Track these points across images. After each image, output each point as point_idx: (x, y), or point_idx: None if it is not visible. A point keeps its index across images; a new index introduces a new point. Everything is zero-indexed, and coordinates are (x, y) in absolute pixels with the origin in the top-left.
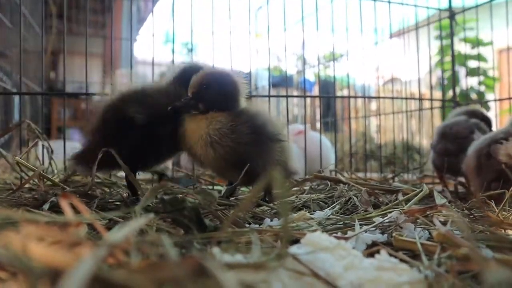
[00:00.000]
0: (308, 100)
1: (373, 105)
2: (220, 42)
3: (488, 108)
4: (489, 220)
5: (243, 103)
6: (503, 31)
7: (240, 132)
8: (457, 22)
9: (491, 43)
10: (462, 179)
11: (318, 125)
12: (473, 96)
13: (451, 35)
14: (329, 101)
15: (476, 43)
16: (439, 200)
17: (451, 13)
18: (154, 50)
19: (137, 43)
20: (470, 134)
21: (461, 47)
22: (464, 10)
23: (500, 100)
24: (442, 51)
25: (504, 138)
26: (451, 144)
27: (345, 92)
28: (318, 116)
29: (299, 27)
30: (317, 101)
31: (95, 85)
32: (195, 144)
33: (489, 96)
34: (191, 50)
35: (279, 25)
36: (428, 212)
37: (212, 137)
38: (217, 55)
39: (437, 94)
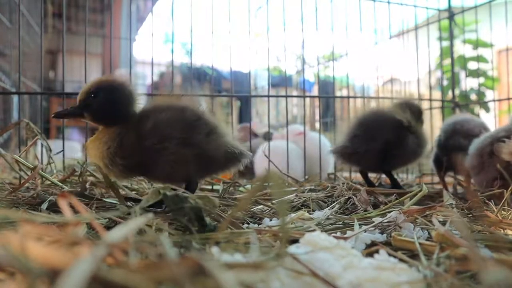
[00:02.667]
0: (308, 100)
1: (373, 105)
2: (220, 42)
3: (488, 109)
4: (488, 220)
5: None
6: (502, 31)
7: (126, 145)
8: (457, 23)
9: (490, 45)
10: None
11: (317, 125)
12: (473, 97)
13: (451, 35)
14: (328, 101)
15: (476, 44)
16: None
17: (451, 14)
18: (154, 50)
19: (136, 43)
20: (479, 133)
21: (462, 49)
22: (463, 10)
23: (499, 100)
24: (441, 52)
25: (507, 136)
26: (463, 140)
27: (344, 92)
28: (317, 116)
29: (298, 27)
30: (316, 101)
31: None
32: (99, 163)
33: (489, 96)
34: (190, 50)
35: (278, 25)
36: (427, 212)
37: (104, 160)
38: (216, 55)
39: (437, 94)
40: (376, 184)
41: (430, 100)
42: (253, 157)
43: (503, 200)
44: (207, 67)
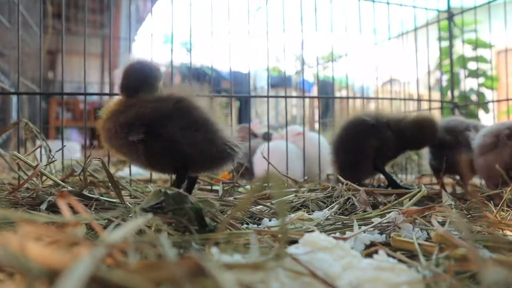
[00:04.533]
0: (307, 100)
1: (372, 106)
2: (219, 42)
3: (487, 110)
4: (487, 220)
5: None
6: (501, 32)
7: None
8: (456, 24)
9: (489, 46)
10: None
11: (317, 125)
12: (473, 97)
13: (450, 36)
14: (328, 102)
15: (475, 45)
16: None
17: (450, 14)
18: (153, 50)
19: (136, 43)
20: (465, 130)
21: (461, 49)
22: (462, 11)
23: (498, 101)
24: (441, 53)
25: None
26: (448, 135)
27: (343, 93)
28: (317, 117)
29: (298, 28)
30: (315, 101)
31: (94, 85)
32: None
33: (489, 97)
34: (190, 50)
35: (278, 25)
36: (426, 213)
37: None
38: (215, 56)
39: (436, 95)
40: (376, 185)
41: (429, 101)
42: (252, 158)
43: (502, 201)
44: (206, 67)
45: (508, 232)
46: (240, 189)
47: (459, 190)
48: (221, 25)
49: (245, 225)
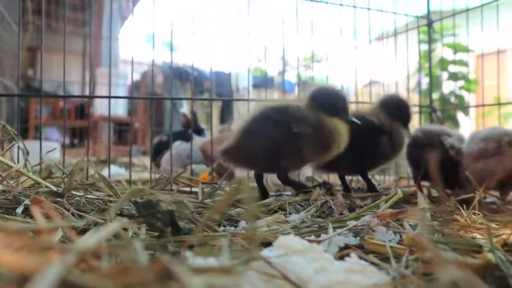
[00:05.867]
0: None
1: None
2: (202, 42)
3: (466, 112)
4: (457, 223)
5: None
6: (480, 37)
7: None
8: (435, 30)
9: (467, 49)
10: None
11: None
12: (452, 100)
13: (429, 42)
14: None
15: (454, 48)
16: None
17: (429, 21)
18: (135, 49)
19: (118, 42)
20: (441, 136)
21: (442, 52)
22: (442, 18)
23: (476, 106)
24: (420, 56)
25: None
26: (420, 134)
27: None
28: None
29: (280, 29)
30: None
31: (75, 85)
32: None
33: (470, 99)
34: (172, 50)
35: (260, 26)
36: (399, 216)
37: None
38: (198, 56)
39: (416, 97)
40: (355, 188)
41: None
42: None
43: (471, 205)
44: (189, 67)
45: (477, 235)
46: (220, 191)
47: (435, 193)
48: (204, 25)
49: (222, 228)
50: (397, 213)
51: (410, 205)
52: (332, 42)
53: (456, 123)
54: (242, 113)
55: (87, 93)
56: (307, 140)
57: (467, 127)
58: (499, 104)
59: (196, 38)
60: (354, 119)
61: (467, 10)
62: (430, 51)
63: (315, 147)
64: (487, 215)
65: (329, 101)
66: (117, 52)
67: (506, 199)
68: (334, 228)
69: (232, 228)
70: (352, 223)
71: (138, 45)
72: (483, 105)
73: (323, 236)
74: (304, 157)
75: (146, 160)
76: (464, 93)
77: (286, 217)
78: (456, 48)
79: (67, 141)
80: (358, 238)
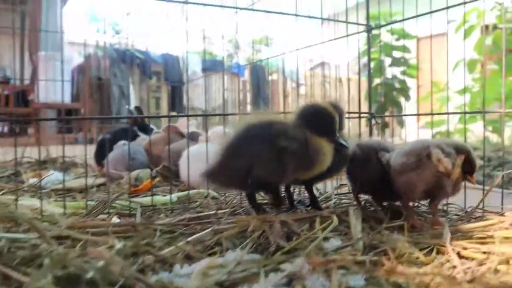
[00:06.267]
0: (240, 84)
1: (302, 90)
2: (150, 24)
3: (402, 125)
4: (384, 269)
5: None
6: (419, 22)
7: None
8: (374, 38)
9: (403, 34)
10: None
11: (249, 108)
12: (396, 85)
13: (368, 49)
14: (259, 85)
15: (391, 33)
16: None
17: (368, 28)
18: (80, 30)
19: (61, 23)
20: (378, 150)
21: (388, 37)
22: (380, 26)
23: (409, 115)
24: (369, 44)
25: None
26: (358, 149)
27: (274, 77)
28: (248, 99)
29: (232, 11)
30: (248, 85)
31: (9, 69)
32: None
33: (410, 83)
34: (117, 32)
35: (211, 8)
36: (329, 265)
37: None
38: (146, 38)
39: (363, 80)
40: (296, 201)
41: (349, 112)
42: (178, 160)
43: (404, 230)
44: (136, 50)
45: (400, 280)
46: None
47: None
48: (152, 6)
49: (154, 277)
50: (327, 262)
51: (345, 227)
52: (283, 25)
53: (399, 108)
54: (192, 98)
55: (27, 77)
56: (291, 156)
57: (410, 123)
58: (432, 114)
59: (137, 19)
60: (342, 141)
61: None
62: (369, 59)
63: (298, 164)
64: (417, 242)
65: (316, 121)
66: (62, 35)
67: (436, 210)
68: (266, 273)
69: (167, 273)
70: (287, 268)
71: (82, 25)
72: (418, 114)
73: (254, 287)
74: (287, 173)
75: (92, 151)
76: (405, 78)
77: (222, 255)
78: (392, 32)
79: (5, 129)
80: (291, 284)
